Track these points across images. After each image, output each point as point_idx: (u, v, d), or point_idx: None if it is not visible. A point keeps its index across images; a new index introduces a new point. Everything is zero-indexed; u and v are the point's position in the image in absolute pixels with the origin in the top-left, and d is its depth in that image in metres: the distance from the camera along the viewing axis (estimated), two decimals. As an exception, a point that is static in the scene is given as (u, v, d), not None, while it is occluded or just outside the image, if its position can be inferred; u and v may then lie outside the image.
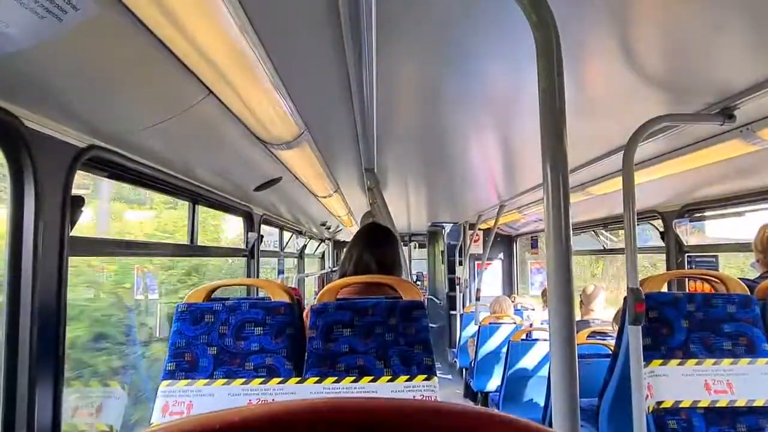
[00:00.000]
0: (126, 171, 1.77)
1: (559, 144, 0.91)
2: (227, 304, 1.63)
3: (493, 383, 4.34)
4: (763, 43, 1.26)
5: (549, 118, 0.91)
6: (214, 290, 1.69)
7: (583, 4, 1.07)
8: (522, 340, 3.62)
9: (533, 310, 5.34)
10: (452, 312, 7.22)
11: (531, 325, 4.15)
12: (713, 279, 1.89)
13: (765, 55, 1.33)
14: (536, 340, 3.65)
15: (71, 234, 1.43)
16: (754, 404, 1.64)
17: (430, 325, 1.68)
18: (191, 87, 1.33)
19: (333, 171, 3.01)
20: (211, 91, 1.39)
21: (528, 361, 3.54)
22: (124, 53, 1.11)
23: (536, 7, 0.88)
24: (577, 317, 3.56)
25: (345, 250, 2.09)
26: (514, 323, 4.44)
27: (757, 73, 1.42)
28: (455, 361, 6.18)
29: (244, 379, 1.56)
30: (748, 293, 1.80)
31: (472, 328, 5.53)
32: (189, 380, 1.55)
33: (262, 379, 1.56)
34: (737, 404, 1.64)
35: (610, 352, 2.12)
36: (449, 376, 6.37)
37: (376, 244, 2.03)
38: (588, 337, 2.85)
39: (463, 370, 5.70)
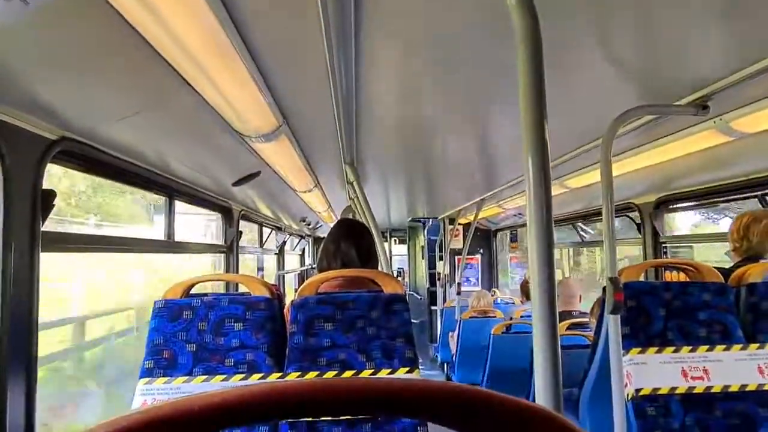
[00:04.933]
0: (99, 164, 1.72)
1: (540, 132, 0.90)
2: (206, 300, 1.59)
3: (475, 376, 4.37)
4: (735, 36, 1.29)
5: (530, 107, 0.90)
6: (192, 286, 1.65)
7: None
8: (503, 333, 3.65)
9: (513, 303, 5.40)
10: (433, 307, 7.25)
11: (511, 318, 4.18)
12: (689, 268, 1.92)
13: (737, 48, 1.36)
14: (517, 333, 3.68)
15: (43, 229, 1.39)
16: (729, 390, 1.67)
17: (412, 320, 1.66)
18: (166, 76, 1.29)
19: (313, 165, 2.98)
20: (186, 81, 1.35)
21: (510, 354, 3.56)
22: (97, 41, 1.08)
23: None
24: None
25: (321, 247, 2.03)
26: (495, 317, 4.47)
27: (730, 65, 1.45)
28: (436, 356, 6.21)
29: (224, 376, 1.53)
30: (723, 281, 1.83)
31: (452, 323, 5.57)
32: (167, 378, 1.51)
33: (242, 376, 1.53)
34: (713, 390, 1.67)
35: (589, 343, 2.15)
36: (432, 372, 6.40)
37: (354, 235, 1.99)
38: (568, 328, 2.88)
39: (445, 364, 5.73)
